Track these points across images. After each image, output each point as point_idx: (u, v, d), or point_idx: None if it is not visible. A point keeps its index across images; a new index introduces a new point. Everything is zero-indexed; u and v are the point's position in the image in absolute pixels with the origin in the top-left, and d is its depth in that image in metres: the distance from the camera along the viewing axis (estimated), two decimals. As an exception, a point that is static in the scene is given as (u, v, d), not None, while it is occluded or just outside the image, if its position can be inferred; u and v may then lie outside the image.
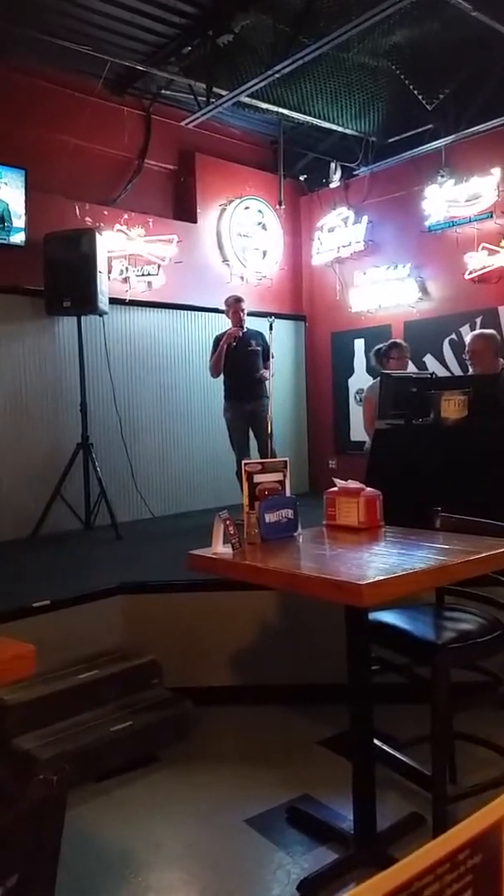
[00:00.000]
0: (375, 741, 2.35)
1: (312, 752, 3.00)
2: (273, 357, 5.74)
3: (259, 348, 5.77)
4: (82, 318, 5.61)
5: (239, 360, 5.68)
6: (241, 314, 5.80)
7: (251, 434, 5.81)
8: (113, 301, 5.86)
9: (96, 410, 5.79)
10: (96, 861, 2.30)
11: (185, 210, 6.89)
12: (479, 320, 6.18)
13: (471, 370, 4.77)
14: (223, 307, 5.95)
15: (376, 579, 1.81)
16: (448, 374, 6.29)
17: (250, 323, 5.91)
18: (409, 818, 2.41)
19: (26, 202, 5.49)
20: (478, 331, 5.22)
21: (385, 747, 2.49)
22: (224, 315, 5.94)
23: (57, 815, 0.87)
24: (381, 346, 5.40)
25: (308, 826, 2.46)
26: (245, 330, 5.77)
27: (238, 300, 5.87)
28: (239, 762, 2.95)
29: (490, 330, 5.12)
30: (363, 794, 2.24)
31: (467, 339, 4.83)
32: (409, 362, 5.60)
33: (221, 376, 5.83)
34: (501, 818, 0.54)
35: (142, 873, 2.25)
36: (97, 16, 5.19)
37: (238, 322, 5.77)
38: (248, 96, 5.99)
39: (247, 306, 5.90)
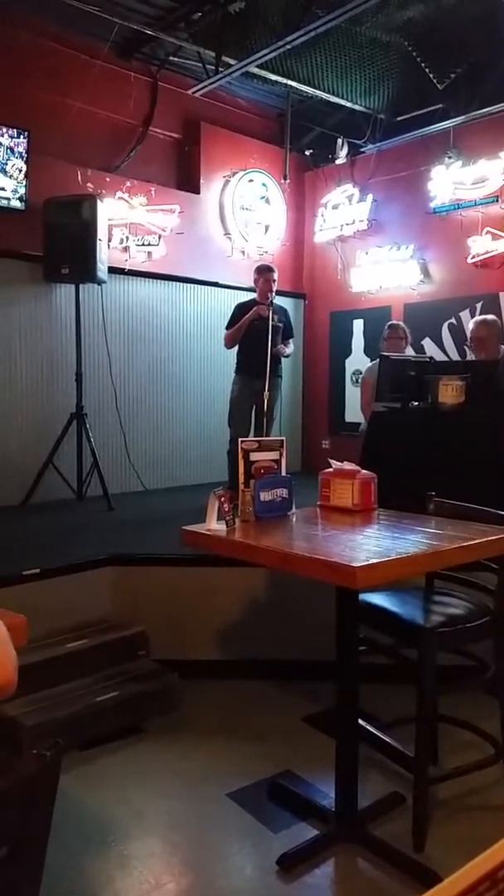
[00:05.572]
0: (360, 720, 2.37)
1: (297, 728, 3.02)
2: (292, 336, 5.55)
3: (281, 325, 5.36)
4: (80, 286, 5.55)
5: (262, 335, 5.18)
6: (272, 285, 5.39)
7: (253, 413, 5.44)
8: (112, 270, 5.79)
9: (91, 381, 5.75)
10: (79, 828, 2.32)
11: (188, 180, 6.79)
12: (479, 305, 6.14)
13: (472, 356, 4.75)
14: (223, 281, 5.80)
15: (370, 562, 1.81)
16: (446, 358, 6.27)
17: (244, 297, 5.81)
18: (389, 797, 2.44)
19: (27, 165, 5.39)
20: (480, 317, 5.16)
21: (369, 727, 2.52)
22: (225, 289, 5.76)
23: (49, 790, 0.87)
24: None
25: (289, 801, 2.48)
26: (272, 305, 5.37)
27: (270, 269, 5.49)
28: (223, 736, 2.98)
29: (492, 316, 5.08)
30: (346, 772, 2.27)
31: (470, 325, 4.80)
32: (408, 345, 5.58)
33: (235, 349, 5.49)
34: None
35: (124, 842, 2.28)
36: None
37: (266, 295, 5.37)
38: (257, 67, 5.89)
39: (278, 277, 5.52)
